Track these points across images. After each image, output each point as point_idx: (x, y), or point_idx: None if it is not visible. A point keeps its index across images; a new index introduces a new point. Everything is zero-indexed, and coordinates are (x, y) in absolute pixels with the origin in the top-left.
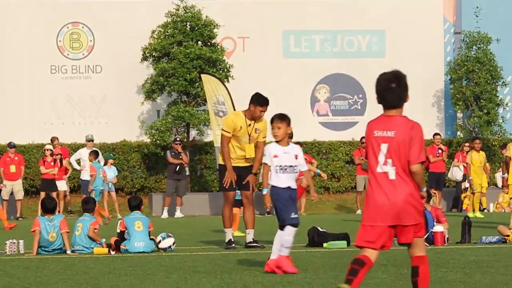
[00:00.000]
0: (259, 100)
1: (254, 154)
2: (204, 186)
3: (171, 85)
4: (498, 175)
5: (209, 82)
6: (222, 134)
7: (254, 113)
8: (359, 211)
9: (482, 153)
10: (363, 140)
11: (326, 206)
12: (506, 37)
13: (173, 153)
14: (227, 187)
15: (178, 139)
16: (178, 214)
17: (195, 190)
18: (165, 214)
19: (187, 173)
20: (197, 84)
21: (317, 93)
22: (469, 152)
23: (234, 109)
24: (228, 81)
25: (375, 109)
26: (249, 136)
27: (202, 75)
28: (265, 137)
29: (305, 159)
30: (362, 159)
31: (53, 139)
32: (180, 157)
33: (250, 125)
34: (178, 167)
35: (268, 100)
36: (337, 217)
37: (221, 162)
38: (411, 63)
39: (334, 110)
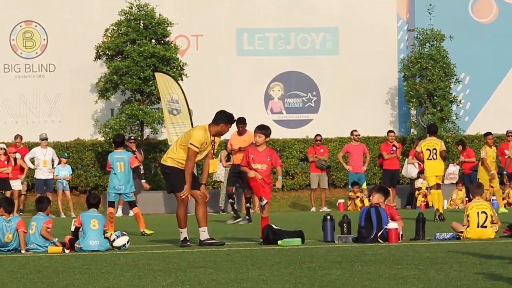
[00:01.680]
0: (231, 120)
1: (217, 169)
2: (158, 184)
3: (125, 84)
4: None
5: (162, 81)
6: (190, 148)
7: (222, 131)
8: (313, 209)
9: (494, 148)
10: (318, 138)
11: (281, 204)
12: (459, 34)
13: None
14: (183, 197)
15: (132, 137)
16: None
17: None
18: (119, 213)
19: (142, 171)
20: (151, 82)
21: (271, 91)
22: (483, 148)
23: (188, 108)
24: (182, 79)
25: (328, 106)
26: (208, 151)
27: (155, 74)
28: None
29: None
30: (316, 157)
31: (17, 137)
32: (135, 155)
33: (213, 140)
34: None
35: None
36: (292, 215)
37: (171, 164)
38: (364, 61)
39: (288, 108)
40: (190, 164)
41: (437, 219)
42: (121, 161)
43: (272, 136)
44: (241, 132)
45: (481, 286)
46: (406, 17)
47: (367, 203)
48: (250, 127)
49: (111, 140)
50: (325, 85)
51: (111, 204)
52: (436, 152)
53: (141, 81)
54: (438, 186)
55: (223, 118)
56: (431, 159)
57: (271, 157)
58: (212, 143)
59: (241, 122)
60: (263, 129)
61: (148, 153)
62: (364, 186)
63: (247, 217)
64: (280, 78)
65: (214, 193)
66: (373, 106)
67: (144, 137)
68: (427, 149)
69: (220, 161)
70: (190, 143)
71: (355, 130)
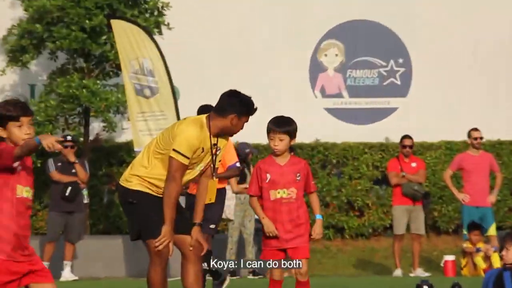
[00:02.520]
0: (250, 109)
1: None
2: (115, 223)
3: (56, 39)
4: None
5: (125, 35)
6: (173, 159)
7: (234, 128)
8: (398, 272)
9: None
10: (406, 143)
11: (339, 261)
12: None
13: (59, 164)
14: (159, 247)
15: (69, 137)
16: (67, 274)
17: (98, 231)
18: (65, 275)
19: (85, 200)
20: (104, 37)
21: (322, 55)
22: None
23: (171, 84)
24: (160, 34)
25: (427, 85)
26: (205, 164)
27: (112, 22)
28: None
29: None
30: (404, 176)
31: None
32: (73, 170)
33: (215, 145)
34: (70, 188)
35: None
36: (358, 282)
37: (139, 188)
38: (496, 11)
39: (353, 86)
40: (174, 187)
41: None
42: None
43: (322, 138)
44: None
45: None
46: None
47: (497, 263)
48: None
49: None
50: (421, 48)
51: None
52: None
53: (86, 35)
54: None
55: (234, 105)
56: None
57: (303, 173)
58: (214, 150)
59: (206, 110)
60: (283, 125)
61: (98, 165)
62: (493, 231)
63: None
64: (339, 32)
65: (218, 240)
66: (509, 90)
67: (91, 137)
68: None
69: (229, 183)
70: (174, 150)
71: (476, 130)
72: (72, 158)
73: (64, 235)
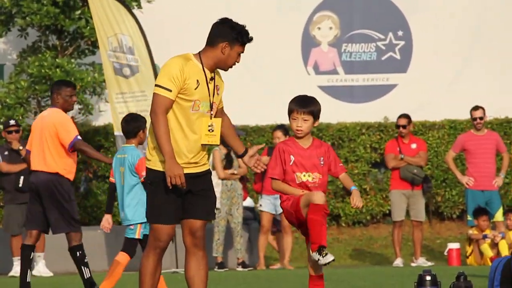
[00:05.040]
0: (243, 35)
1: (218, 140)
2: (93, 214)
3: (25, 15)
4: None
5: (102, 9)
6: (154, 94)
7: (228, 59)
8: (398, 261)
9: None
10: (402, 122)
11: (335, 251)
12: None
13: (6, 153)
14: (152, 217)
15: (12, 121)
16: (41, 268)
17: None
18: (16, 270)
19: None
20: (78, 12)
21: (315, 28)
22: None
23: (153, 62)
24: (140, 7)
25: (428, 59)
26: (211, 102)
27: None
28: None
29: None
30: (402, 159)
31: None
32: (22, 157)
33: (212, 78)
34: (22, 178)
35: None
36: (357, 272)
37: (157, 167)
38: None
39: (348, 62)
40: (157, 122)
41: None
42: None
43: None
44: None
45: None
46: None
47: (505, 250)
48: (273, 99)
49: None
50: (422, 19)
51: None
52: None
53: (59, 10)
54: None
55: (224, 32)
56: None
57: (326, 157)
58: (212, 86)
59: None
60: (308, 104)
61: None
62: (499, 216)
63: None
64: (334, 3)
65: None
66: None
67: None
68: None
69: (214, 167)
70: (155, 85)
71: (477, 108)
72: (16, 145)
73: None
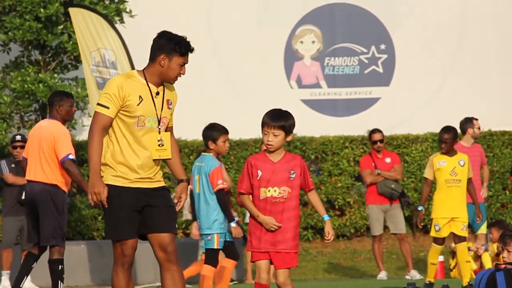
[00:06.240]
0: (181, 44)
1: (170, 154)
2: (76, 228)
3: (7, 30)
4: None
5: (85, 24)
6: (94, 113)
7: (170, 71)
8: (382, 274)
9: None
10: (376, 137)
11: (316, 265)
12: None
13: (13, 165)
14: (114, 234)
15: (18, 137)
16: (27, 284)
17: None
18: (4, 284)
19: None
20: (61, 27)
21: (298, 42)
22: None
23: None
24: (122, 22)
25: (411, 72)
26: (159, 117)
27: (70, 10)
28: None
29: None
30: (379, 174)
31: None
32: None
33: (158, 93)
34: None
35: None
36: (340, 286)
37: (110, 182)
38: None
39: (331, 75)
40: (93, 141)
41: None
42: None
43: (299, 131)
44: None
45: None
46: None
47: (488, 263)
48: (256, 113)
49: None
50: (405, 32)
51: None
52: None
53: (41, 25)
54: None
55: (161, 45)
56: None
57: (298, 170)
58: (159, 101)
59: None
60: (279, 119)
61: None
62: (483, 228)
63: None
64: (316, 17)
65: (189, 245)
66: (502, 78)
67: None
68: None
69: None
70: (97, 104)
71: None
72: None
73: (20, 241)
